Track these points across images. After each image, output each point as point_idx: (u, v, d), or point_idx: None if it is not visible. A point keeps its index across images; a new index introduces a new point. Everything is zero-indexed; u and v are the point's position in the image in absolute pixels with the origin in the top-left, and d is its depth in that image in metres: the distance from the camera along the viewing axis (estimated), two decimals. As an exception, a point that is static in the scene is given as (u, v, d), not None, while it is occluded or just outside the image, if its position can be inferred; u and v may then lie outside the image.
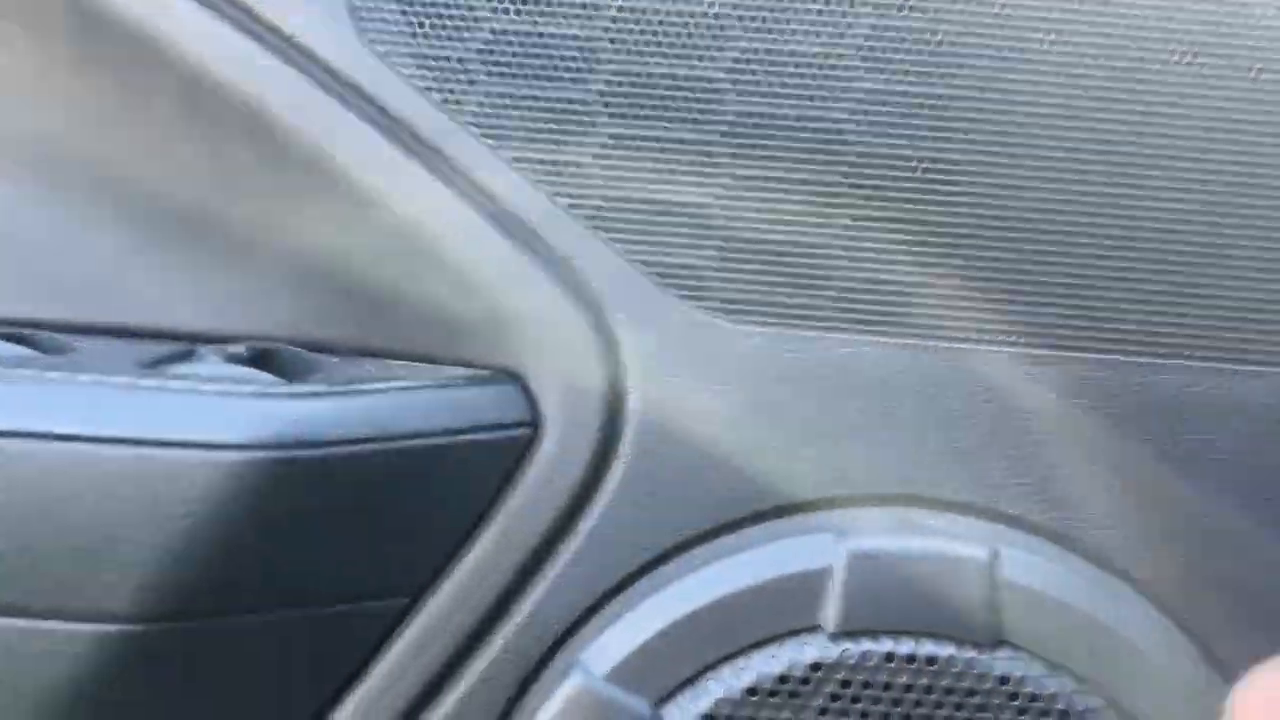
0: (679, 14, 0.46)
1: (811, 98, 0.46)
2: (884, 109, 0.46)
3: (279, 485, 0.44)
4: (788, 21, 0.46)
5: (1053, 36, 0.46)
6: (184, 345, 0.48)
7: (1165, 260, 0.47)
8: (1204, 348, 0.47)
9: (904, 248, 0.47)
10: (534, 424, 0.47)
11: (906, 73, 0.46)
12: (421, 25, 0.46)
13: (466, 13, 0.46)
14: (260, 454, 0.44)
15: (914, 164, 0.47)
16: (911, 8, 0.46)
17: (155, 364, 0.47)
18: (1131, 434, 0.48)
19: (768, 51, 0.46)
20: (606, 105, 0.47)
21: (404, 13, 0.46)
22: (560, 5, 0.46)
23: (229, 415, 0.44)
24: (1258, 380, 0.47)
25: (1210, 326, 0.47)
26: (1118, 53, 0.46)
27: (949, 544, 0.47)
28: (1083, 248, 0.47)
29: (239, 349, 0.48)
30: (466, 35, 0.46)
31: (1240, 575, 0.48)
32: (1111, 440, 0.48)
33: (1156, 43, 0.46)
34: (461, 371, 0.48)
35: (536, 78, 0.47)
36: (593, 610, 0.48)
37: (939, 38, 0.46)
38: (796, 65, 0.46)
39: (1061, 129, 0.47)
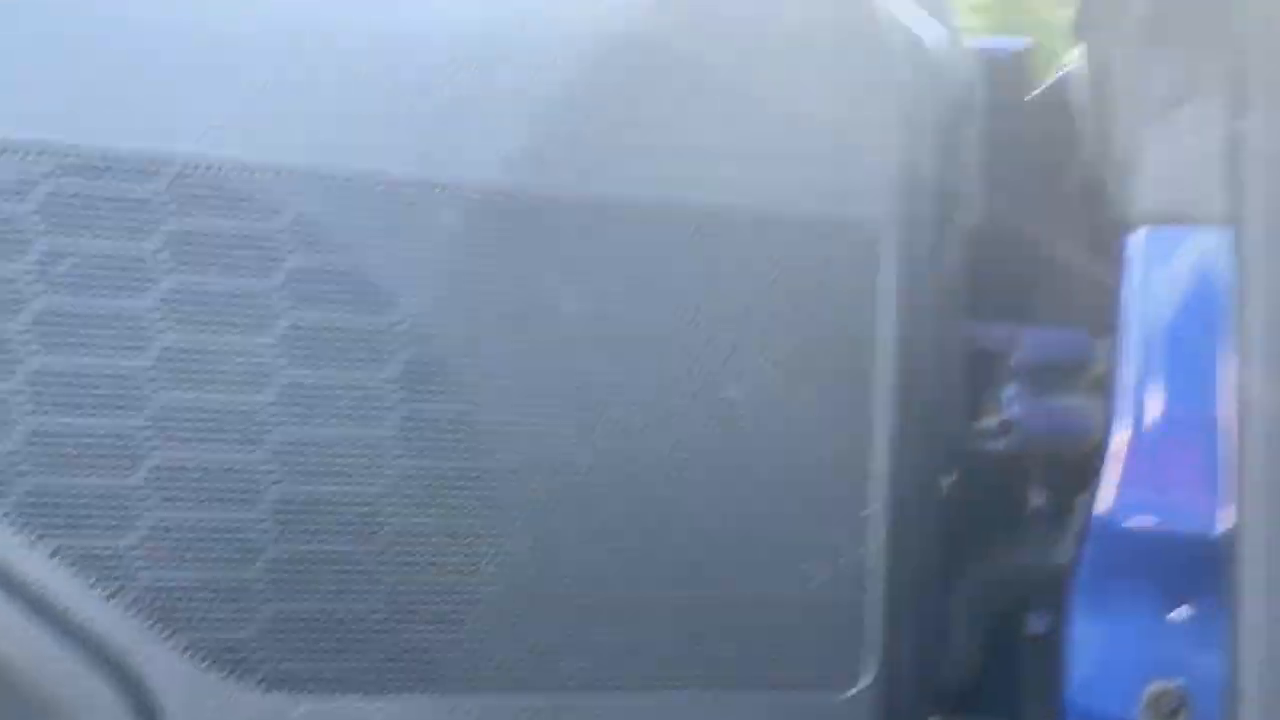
0: (220, 407, 0.49)
1: (346, 481, 0.50)
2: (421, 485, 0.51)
3: None
4: (323, 428, 0.50)
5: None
6: None
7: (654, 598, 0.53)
8: (702, 676, 0.53)
9: (442, 610, 0.51)
10: None
11: (442, 453, 0.51)
12: (-47, 426, 0.47)
13: (2, 414, 0.47)
14: None
15: (441, 538, 0.51)
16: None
17: None
18: None
19: (310, 440, 0.50)
20: (151, 493, 0.48)
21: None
22: (98, 396, 0.48)
23: None
24: (755, 695, 0.54)
25: (701, 656, 0.53)
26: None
27: None
28: (599, 597, 0.52)
29: None
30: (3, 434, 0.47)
31: None
32: None
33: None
34: (-10, 769, 0.47)
35: (79, 469, 0.48)
36: None
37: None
38: (333, 452, 0.50)
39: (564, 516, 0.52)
